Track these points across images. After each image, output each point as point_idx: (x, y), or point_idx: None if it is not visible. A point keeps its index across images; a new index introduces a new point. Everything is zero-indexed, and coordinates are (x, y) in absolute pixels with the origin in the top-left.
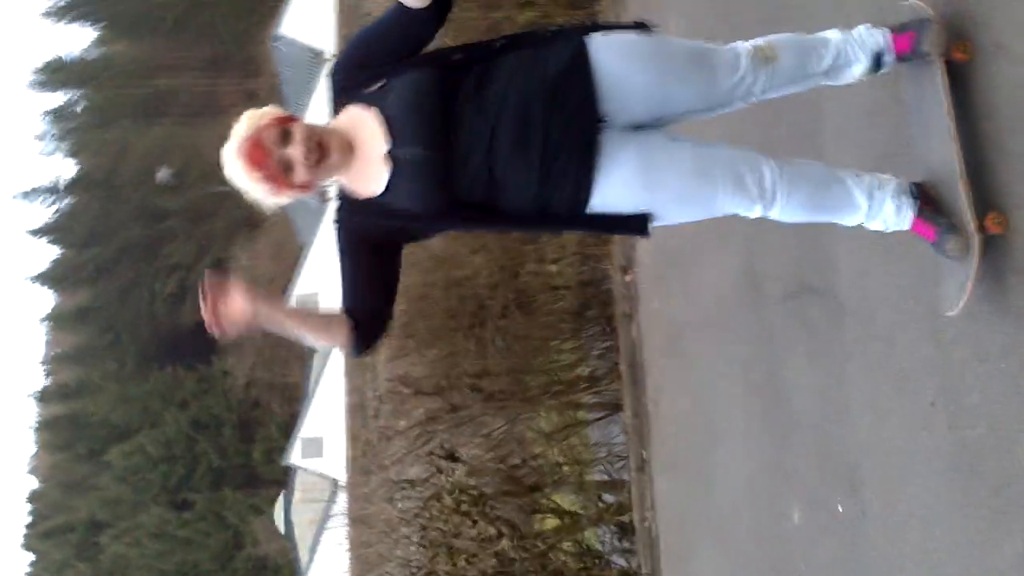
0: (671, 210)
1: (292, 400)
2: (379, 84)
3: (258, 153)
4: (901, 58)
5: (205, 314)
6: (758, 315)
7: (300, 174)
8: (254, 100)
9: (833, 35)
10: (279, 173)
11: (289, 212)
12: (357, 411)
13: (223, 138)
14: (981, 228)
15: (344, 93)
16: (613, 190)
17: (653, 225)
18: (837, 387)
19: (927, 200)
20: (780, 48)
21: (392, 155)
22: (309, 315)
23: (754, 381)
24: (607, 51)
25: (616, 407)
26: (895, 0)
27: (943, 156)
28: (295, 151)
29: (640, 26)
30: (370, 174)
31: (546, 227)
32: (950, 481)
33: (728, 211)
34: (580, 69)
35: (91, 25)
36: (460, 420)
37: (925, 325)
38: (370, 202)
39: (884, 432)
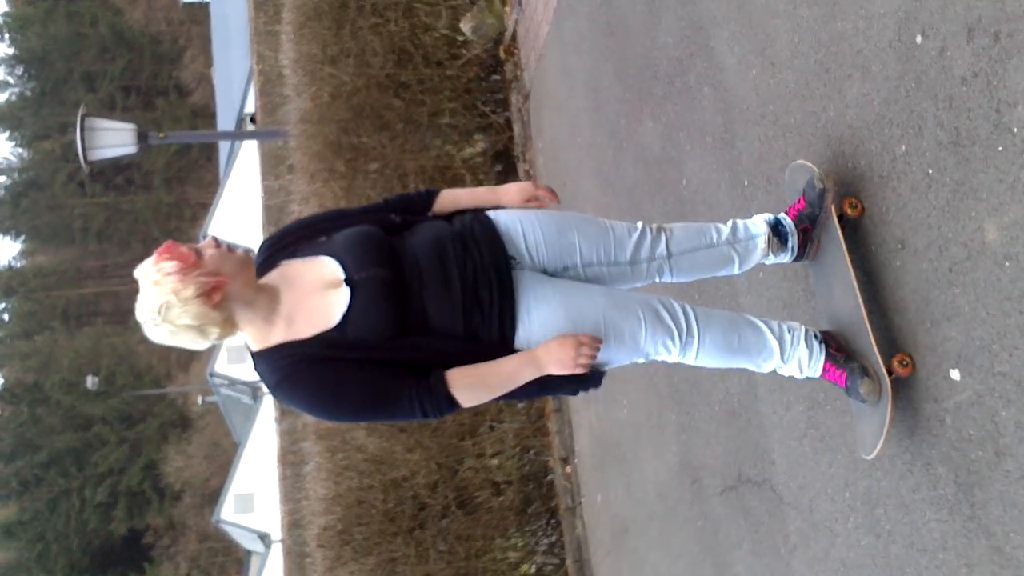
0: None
1: None
2: (322, 239)
3: (171, 245)
4: (798, 219)
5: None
6: (700, 508)
7: (210, 257)
8: None
9: (727, 222)
10: (190, 256)
11: (223, 411)
12: None
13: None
14: (889, 371)
15: (278, 254)
16: (538, 324)
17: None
18: None
19: (836, 347)
20: (671, 225)
21: (349, 280)
22: None
23: None
24: (504, 212)
25: None
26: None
27: (846, 303)
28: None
29: None
30: (314, 311)
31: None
32: None
33: (652, 347)
34: (483, 223)
35: (13, 239)
36: None
37: (862, 516)
38: (317, 338)
39: None
